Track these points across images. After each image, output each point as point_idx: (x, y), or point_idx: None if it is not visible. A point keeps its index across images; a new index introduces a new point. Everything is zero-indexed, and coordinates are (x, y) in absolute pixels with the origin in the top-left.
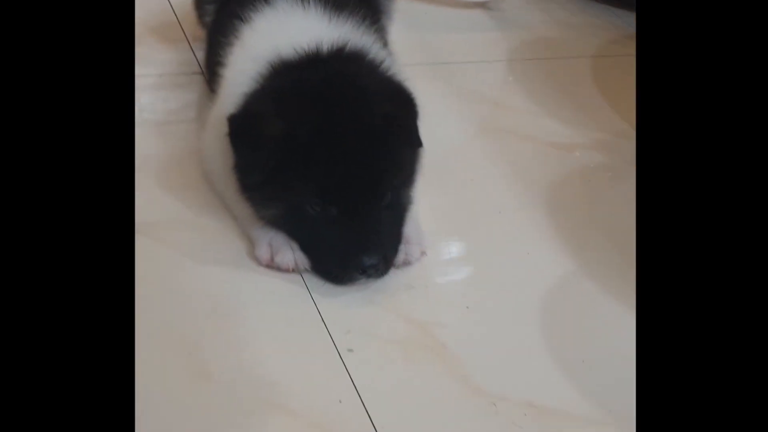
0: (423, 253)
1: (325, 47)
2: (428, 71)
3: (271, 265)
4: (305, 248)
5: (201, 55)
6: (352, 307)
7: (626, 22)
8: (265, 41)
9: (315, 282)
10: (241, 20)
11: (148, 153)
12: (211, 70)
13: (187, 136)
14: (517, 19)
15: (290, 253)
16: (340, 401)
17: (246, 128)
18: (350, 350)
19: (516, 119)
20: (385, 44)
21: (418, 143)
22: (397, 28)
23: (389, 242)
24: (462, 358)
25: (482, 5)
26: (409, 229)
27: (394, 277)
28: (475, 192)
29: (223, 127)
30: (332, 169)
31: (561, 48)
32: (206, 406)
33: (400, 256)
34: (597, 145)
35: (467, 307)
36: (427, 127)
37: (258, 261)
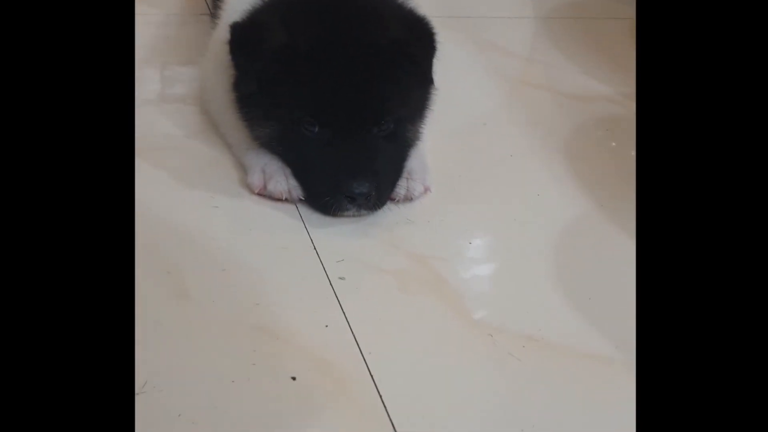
0: (427, 190)
1: None
2: (450, 23)
3: (263, 193)
4: (297, 174)
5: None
6: (346, 237)
7: None
8: None
9: (310, 213)
10: None
11: (152, 85)
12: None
13: (188, 71)
14: None
15: (284, 180)
16: (327, 326)
17: (247, 36)
18: (342, 278)
19: (536, 71)
20: None
21: (430, 80)
22: None
23: (386, 173)
24: (461, 291)
25: None
26: (413, 164)
27: (393, 212)
28: (487, 136)
29: (224, 47)
30: (330, 87)
31: (594, 8)
32: (184, 326)
33: (401, 191)
34: (622, 98)
35: (470, 243)
36: (442, 70)
37: (250, 188)
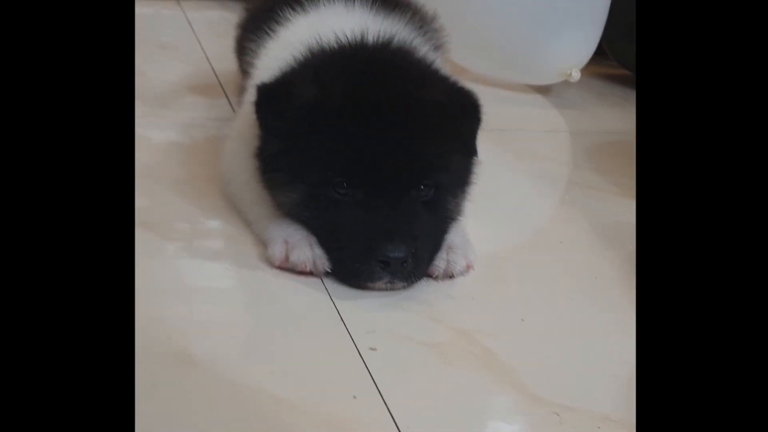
0: (470, 267)
1: (371, 37)
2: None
3: (285, 266)
4: (324, 241)
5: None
6: (378, 309)
7: None
8: (304, 31)
9: (337, 286)
10: (277, 23)
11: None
12: (243, 82)
13: (208, 161)
14: (574, 101)
15: (308, 250)
16: (355, 397)
17: (275, 93)
18: (373, 349)
19: (579, 173)
20: (437, 48)
21: (473, 151)
22: None
23: (424, 241)
24: (515, 365)
25: (542, 90)
26: (455, 238)
27: (432, 287)
28: (533, 225)
29: (249, 111)
30: (363, 144)
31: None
32: (186, 391)
33: (441, 264)
34: None
35: (522, 320)
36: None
37: (271, 260)
